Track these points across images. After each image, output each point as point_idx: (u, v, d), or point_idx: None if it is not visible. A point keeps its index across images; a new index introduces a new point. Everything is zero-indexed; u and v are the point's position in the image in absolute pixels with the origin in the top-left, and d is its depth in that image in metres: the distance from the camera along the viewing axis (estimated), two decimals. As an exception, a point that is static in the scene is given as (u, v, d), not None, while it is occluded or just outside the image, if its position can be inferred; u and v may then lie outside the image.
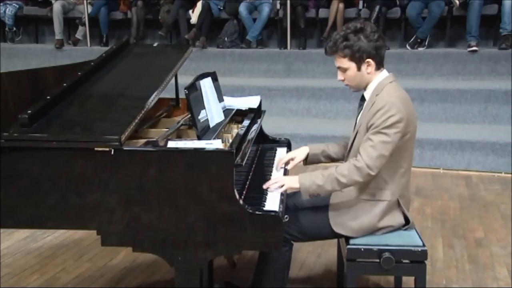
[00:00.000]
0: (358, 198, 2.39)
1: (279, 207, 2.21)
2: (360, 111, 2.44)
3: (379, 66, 2.36)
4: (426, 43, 6.80)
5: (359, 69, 2.33)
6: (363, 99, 2.44)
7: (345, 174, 2.27)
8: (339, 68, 2.37)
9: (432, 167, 5.30)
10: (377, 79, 2.37)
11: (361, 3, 7.27)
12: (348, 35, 2.30)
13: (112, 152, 2.03)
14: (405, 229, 2.43)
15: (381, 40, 2.32)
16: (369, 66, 2.32)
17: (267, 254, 2.44)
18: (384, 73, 2.39)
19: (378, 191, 2.36)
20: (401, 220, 2.41)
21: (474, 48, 6.26)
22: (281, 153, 2.90)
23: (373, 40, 2.29)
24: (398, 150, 2.30)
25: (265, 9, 7.22)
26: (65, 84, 2.44)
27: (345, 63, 2.33)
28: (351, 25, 2.33)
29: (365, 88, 2.41)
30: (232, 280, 3.01)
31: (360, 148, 2.30)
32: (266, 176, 2.61)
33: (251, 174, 2.62)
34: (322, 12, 7.36)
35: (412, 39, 6.74)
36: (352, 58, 2.31)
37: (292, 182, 2.37)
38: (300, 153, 2.67)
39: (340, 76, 2.40)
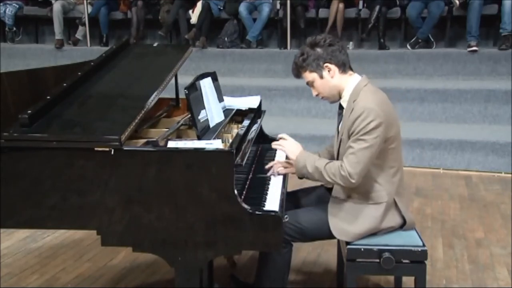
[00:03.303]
0: (356, 203, 2.39)
1: (279, 207, 2.21)
2: (340, 120, 2.45)
3: (343, 69, 2.39)
4: (434, 44, 6.83)
5: (321, 76, 2.39)
6: (341, 107, 2.46)
7: (330, 175, 2.32)
8: (307, 84, 2.45)
9: (432, 167, 5.30)
10: (350, 85, 2.39)
11: (361, 3, 7.27)
12: (304, 50, 2.40)
13: (112, 152, 2.03)
14: (404, 230, 2.43)
15: (336, 44, 2.38)
16: (329, 70, 2.38)
17: (267, 255, 2.44)
18: (355, 77, 2.41)
19: (374, 194, 2.37)
20: (400, 220, 2.41)
21: (474, 48, 6.26)
22: (281, 153, 2.90)
23: (325, 46, 2.37)
24: (384, 152, 2.32)
25: (265, 9, 7.22)
26: (65, 84, 2.44)
27: (308, 76, 2.41)
28: (307, 41, 2.44)
29: (340, 97, 2.44)
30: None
31: (343, 156, 2.33)
32: (266, 176, 2.61)
33: (251, 174, 2.62)
34: (322, 12, 7.37)
35: (413, 40, 6.74)
36: (312, 69, 2.39)
37: (291, 151, 2.47)
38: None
39: (313, 92, 2.47)
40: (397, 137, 2.37)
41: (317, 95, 2.46)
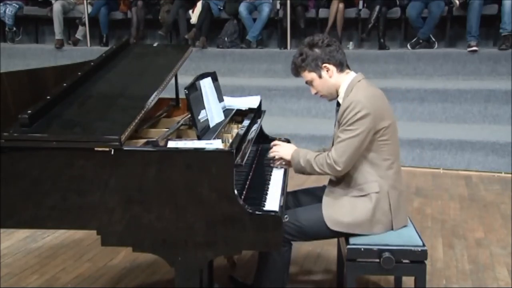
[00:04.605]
0: (348, 195, 2.42)
1: (279, 207, 2.21)
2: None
3: (341, 68, 2.46)
4: (436, 44, 6.81)
5: (320, 76, 2.46)
6: (338, 104, 2.51)
7: (319, 165, 2.40)
8: (306, 83, 2.52)
9: (432, 167, 5.30)
10: (345, 82, 2.46)
11: (361, 3, 7.27)
12: (303, 50, 2.47)
13: (112, 152, 2.03)
14: (395, 228, 2.41)
15: (333, 44, 2.45)
16: (328, 70, 2.45)
17: (267, 255, 2.45)
18: (351, 75, 2.48)
19: (366, 185, 2.40)
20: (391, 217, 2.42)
21: (474, 48, 6.26)
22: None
23: (323, 47, 2.44)
24: (375, 144, 2.37)
25: (265, 9, 7.22)
26: (65, 84, 2.44)
27: (307, 75, 2.48)
28: (305, 41, 2.50)
29: (338, 95, 2.49)
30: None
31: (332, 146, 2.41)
32: (266, 176, 2.61)
33: (251, 174, 2.62)
34: (322, 12, 7.37)
35: (414, 40, 6.74)
36: (311, 69, 2.46)
37: (286, 154, 2.57)
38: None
39: (312, 90, 2.54)
40: (390, 130, 2.39)
41: (316, 93, 2.53)
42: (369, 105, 2.32)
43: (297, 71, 2.50)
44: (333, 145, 2.47)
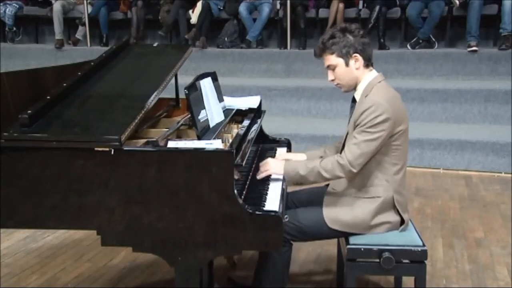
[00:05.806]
0: (352, 197, 2.41)
1: (279, 207, 2.21)
2: (352, 113, 2.47)
3: (367, 63, 2.41)
4: (436, 44, 6.80)
5: (347, 64, 2.39)
6: (354, 100, 2.48)
7: (327, 169, 2.33)
8: (328, 67, 2.44)
9: (432, 167, 5.30)
10: (366, 80, 2.41)
11: (361, 3, 7.27)
12: (335, 33, 2.39)
13: (112, 152, 2.03)
14: (400, 230, 2.42)
15: (367, 38, 2.41)
16: (356, 61, 2.38)
17: (267, 255, 2.44)
18: (373, 73, 2.44)
19: (372, 188, 2.38)
20: (395, 219, 2.41)
21: (474, 48, 6.26)
22: (280, 153, 2.90)
23: (358, 36, 2.38)
24: (387, 148, 2.34)
25: (265, 9, 7.22)
26: (65, 84, 2.44)
27: (333, 60, 2.40)
28: (338, 25, 2.44)
29: (355, 89, 2.45)
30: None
31: (345, 146, 2.36)
32: (266, 176, 2.60)
33: (251, 174, 2.62)
34: (322, 12, 7.37)
35: (414, 40, 6.74)
36: (339, 54, 2.38)
37: (277, 169, 2.45)
38: (296, 158, 2.67)
39: (330, 76, 2.45)
40: (403, 136, 2.38)
41: (332, 80, 2.46)
42: (390, 109, 2.29)
43: (323, 52, 2.41)
44: (344, 142, 2.45)
